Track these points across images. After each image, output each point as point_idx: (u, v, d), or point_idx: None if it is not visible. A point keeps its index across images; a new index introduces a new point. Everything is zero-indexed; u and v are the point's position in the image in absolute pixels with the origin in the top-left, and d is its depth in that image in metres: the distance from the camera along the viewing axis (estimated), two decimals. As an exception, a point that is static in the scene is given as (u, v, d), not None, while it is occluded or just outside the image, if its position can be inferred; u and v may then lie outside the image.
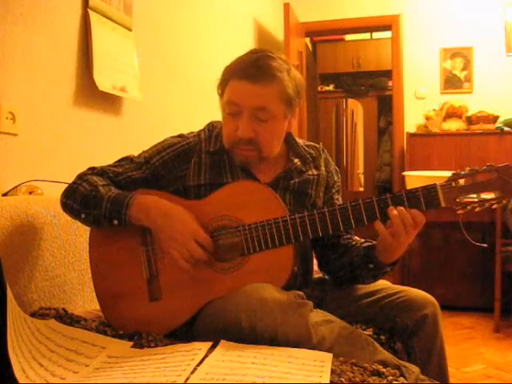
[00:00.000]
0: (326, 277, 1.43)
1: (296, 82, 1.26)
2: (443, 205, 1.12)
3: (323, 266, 1.41)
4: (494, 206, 1.12)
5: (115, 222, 1.19)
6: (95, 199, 1.21)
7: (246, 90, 1.21)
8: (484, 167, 1.12)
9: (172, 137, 1.36)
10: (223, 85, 1.27)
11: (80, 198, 1.23)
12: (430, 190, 1.12)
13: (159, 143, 1.35)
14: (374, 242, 1.24)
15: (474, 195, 1.12)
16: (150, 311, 1.20)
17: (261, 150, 1.25)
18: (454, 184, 1.12)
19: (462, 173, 1.13)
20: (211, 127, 1.37)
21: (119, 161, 1.35)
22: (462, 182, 1.12)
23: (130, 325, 1.16)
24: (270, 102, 1.22)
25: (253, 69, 1.21)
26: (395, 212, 1.11)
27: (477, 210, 1.11)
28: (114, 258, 1.24)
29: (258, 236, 1.16)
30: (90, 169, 1.31)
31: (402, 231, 1.11)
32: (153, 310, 1.20)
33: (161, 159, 1.30)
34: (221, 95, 1.29)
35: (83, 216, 1.23)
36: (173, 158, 1.30)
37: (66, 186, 1.28)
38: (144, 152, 1.35)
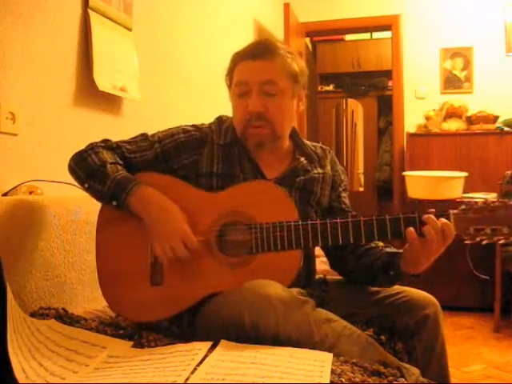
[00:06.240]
0: (341, 277, 1.41)
1: (299, 64, 1.32)
2: (454, 232, 1.12)
3: (336, 265, 1.40)
4: (501, 242, 1.12)
5: (114, 203, 1.22)
6: (101, 175, 1.23)
7: (252, 67, 1.28)
8: (497, 203, 1.13)
9: (186, 125, 1.38)
10: (231, 70, 1.33)
11: (87, 170, 1.25)
12: (443, 216, 1.13)
13: (174, 127, 1.38)
14: (400, 251, 1.23)
15: (486, 228, 1.12)
16: (149, 295, 1.20)
17: (273, 126, 1.28)
18: (467, 214, 1.13)
19: (476, 205, 1.13)
20: (220, 121, 1.39)
21: (134, 137, 1.38)
22: (474, 212, 1.13)
23: (126, 305, 1.17)
24: (276, 74, 1.27)
25: (257, 49, 1.30)
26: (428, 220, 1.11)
27: (484, 242, 1.12)
28: (121, 238, 1.25)
29: (269, 237, 1.16)
30: (103, 141, 1.34)
31: (434, 238, 1.10)
32: (151, 295, 1.20)
33: (174, 141, 1.33)
34: (229, 85, 1.34)
35: (86, 186, 1.26)
36: (185, 143, 1.33)
37: (77, 151, 1.30)
38: (159, 132, 1.37)
